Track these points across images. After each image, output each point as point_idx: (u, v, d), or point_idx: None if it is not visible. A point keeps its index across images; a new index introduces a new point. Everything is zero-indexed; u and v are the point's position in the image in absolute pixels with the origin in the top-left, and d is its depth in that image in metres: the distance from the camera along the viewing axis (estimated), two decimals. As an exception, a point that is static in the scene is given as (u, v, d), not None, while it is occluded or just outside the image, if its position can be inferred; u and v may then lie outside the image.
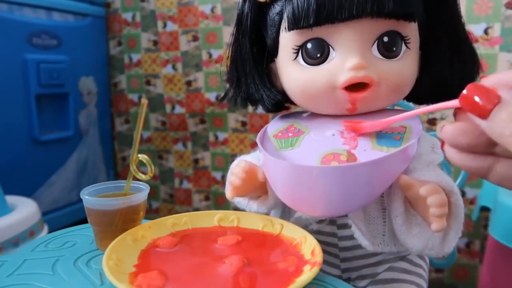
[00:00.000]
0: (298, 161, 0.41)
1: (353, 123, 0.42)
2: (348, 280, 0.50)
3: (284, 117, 0.50)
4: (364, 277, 0.50)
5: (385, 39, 0.41)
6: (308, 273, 0.32)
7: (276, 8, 0.43)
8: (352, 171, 0.37)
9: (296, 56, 0.43)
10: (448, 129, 0.28)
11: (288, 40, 0.43)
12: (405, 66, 0.42)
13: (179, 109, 1.48)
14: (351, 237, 0.45)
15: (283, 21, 0.42)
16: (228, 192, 0.44)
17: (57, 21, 1.31)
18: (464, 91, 0.25)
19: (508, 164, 0.27)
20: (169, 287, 0.32)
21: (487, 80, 0.27)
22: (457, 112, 0.29)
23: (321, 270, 0.34)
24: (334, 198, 0.38)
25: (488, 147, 0.27)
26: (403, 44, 0.42)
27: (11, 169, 1.16)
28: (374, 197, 0.41)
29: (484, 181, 0.95)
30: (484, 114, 0.24)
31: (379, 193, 0.41)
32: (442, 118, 1.13)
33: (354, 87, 0.40)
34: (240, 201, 0.49)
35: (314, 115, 0.47)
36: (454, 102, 0.27)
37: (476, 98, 0.24)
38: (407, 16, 0.40)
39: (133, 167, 0.42)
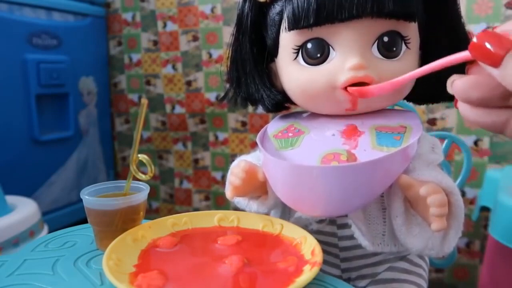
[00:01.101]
0: (298, 161, 0.41)
1: (360, 87, 0.40)
2: (348, 280, 0.50)
3: (284, 117, 0.50)
4: (364, 277, 0.50)
5: (385, 39, 0.41)
6: (308, 273, 0.32)
7: (276, 8, 0.43)
8: (352, 171, 0.37)
9: (296, 56, 0.43)
10: (459, 83, 0.26)
11: (288, 40, 0.43)
12: (405, 66, 0.42)
13: (179, 109, 1.48)
14: (351, 237, 0.45)
15: (283, 21, 0.42)
16: (228, 192, 0.44)
17: (57, 21, 1.31)
18: (474, 39, 0.24)
19: None
20: (169, 287, 0.32)
21: (498, 29, 0.25)
22: (469, 67, 0.27)
23: (321, 270, 0.34)
24: (334, 198, 0.38)
25: (503, 100, 0.25)
26: (403, 44, 0.42)
27: (11, 169, 1.16)
28: (374, 196, 0.41)
29: (484, 181, 0.95)
30: (496, 61, 0.23)
31: (379, 192, 0.41)
32: (442, 118, 1.13)
33: (354, 86, 0.40)
34: (240, 201, 0.49)
35: (314, 115, 0.47)
36: (465, 54, 0.25)
37: (487, 45, 0.23)
38: (407, 16, 0.40)
39: (133, 167, 0.42)
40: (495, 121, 0.26)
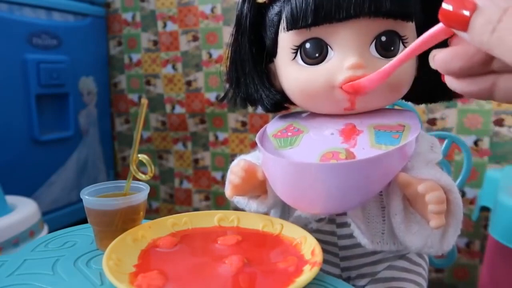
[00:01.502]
0: (297, 159, 0.41)
1: (352, 82, 0.40)
2: (347, 279, 0.50)
3: (283, 117, 0.50)
4: (364, 276, 0.50)
5: (383, 38, 0.41)
6: (308, 273, 0.32)
7: (275, 8, 0.43)
8: (351, 168, 0.37)
9: (295, 56, 0.43)
10: (439, 56, 0.27)
11: (286, 40, 0.43)
12: (403, 66, 0.42)
13: (179, 109, 1.48)
14: (351, 236, 0.45)
15: (282, 21, 0.43)
16: (228, 191, 0.44)
17: (57, 21, 1.31)
18: (443, 5, 0.25)
19: (510, 77, 0.26)
20: (169, 287, 0.32)
21: None
22: (450, 41, 0.28)
23: (321, 270, 0.34)
24: (333, 195, 0.38)
25: (484, 66, 0.26)
26: (401, 44, 0.42)
27: (11, 169, 1.16)
28: (372, 194, 0.41)
29: (484, 181, 0.95)
30: (463, 25, 0.24)
31: (377, 190, 0.41)
32: (442, 118, 1.13)
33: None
34: (239, 201, 0.49)
35: (313, 115, 0.47)
36: (439, 25, 0.27)
37: (452, 9, 0.24)
38: (404, 15, 0.40)
39: (133, 167, 0.42)
40: (481, 88, 0.26)
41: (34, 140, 1.23)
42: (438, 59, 0.27)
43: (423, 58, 0.44)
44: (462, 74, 0.27)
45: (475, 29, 0.23)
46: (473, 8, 0.23)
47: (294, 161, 0.40)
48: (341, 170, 0.37)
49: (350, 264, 0.49)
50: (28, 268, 0.39)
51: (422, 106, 1.09)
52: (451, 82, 0.28)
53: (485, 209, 0.91)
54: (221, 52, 1.37)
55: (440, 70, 0.28)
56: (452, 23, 0.25)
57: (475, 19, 0.23)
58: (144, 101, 0.39)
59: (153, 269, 0.35)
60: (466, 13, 0.23)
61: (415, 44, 0.31)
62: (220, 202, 1.48)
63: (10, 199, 0.97)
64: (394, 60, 0.36)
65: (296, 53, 0.43)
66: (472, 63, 0.26)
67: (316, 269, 0.32)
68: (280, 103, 0.48)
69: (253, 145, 1.37)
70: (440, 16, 0.25)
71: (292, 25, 0.41)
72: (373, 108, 0.44)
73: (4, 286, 0.35)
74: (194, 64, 1.42)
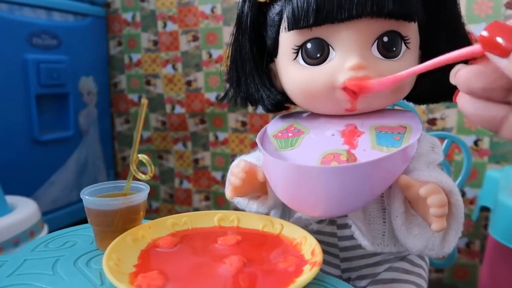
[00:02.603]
0: (298, 161, 0.41)
1: (359, 81, 0.39)
2: (348, 280, 0.50)
3: (284, 117, 0.50)
4: (364, 277, 0.50)
5: (385, 39, 0.41)
6: (308, 273, 0.32)
7: (276, 8, 0.43)
8: (352, 171, 0.37)
9: (296, 56, 0.43)
10: (463, 72, 0.26)
11: (288, 40, 0.43)
12: (405, 66, 0.42)
13: (179, 109, 1.48)
14: (351, 237, 0.45)
15: (283, 21, 0.42)
16: (228, 192, 0.44)
17: (57, 21, 1.31)
18: (484, 33, 0.24)
19: None
20: (169, 287, 0.32)
21: (510, 21, 0.25)
22: (471, 63, 0.27)
23: (321, 270, 0.34)
24: (334, 198, 0.38)
25: (504, 94, 0.25)
26: (403, 44, 0.42)
27: (11, 169, 1.16)
28: (374, 197, 0.41)
29: (484, 181, 0.95)
30: (504, 52, 0.23)
31: (379, 193, 0.41)
32: (442, 118, 1.13)
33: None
34: (240, 201, 0.49)
35: (314, 115, 0.47)
36: (472, 47, 0.26)
37: (499, 39, 0.23)
38: (406, 16, 0.40)
39: (133, 167, 0.42)
40: (494, 116, 0.26)
41: (34, 140, 1.23)
42: (461, 76, 0.26)
43: (425, 58, 0.44)
44: (481, 95, 0.26)
45: None
46: None
47: (295, 164, 0.40)
48: (342, 173, 0.37)
49: (351, 266, 0.49)
50: (28, 268, 0.39)
51: (422, 106, 1.08)
52: (465, 101, 0.26)
53: (485, 209, 0.91)
54: (221, 52, 1.37)
55: (460, 87, 0.26)
56: (492, 49, 0.24)
57: None
58: (144, 101, 0.39)
59: (153, 269, 0.35)
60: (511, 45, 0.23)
61: (440, 59, 0.30)
62: (220, 202, 1.48)
63: (10, 199, 0.97)
64: (410, 70, 0.35)
65: (297, 53, 0.43)
66: (495, 86, 0.25)
67: (316, 269, 0.32)
68: (280, 103, 0.48)
69: (253, 145, 1.37)
70: (481, 42, 0.24)
71: (293, 25, 0.40)
72: (374, 109, 0.44)
73: (4, 286, 0.35)
74: (194, 64, 1.42)
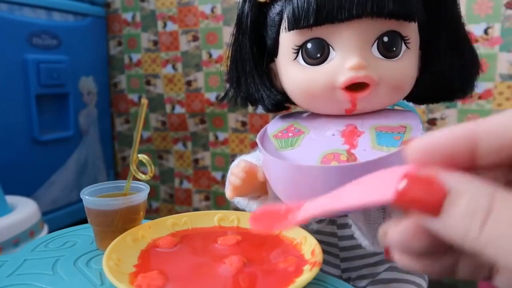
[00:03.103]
0: (298, 161, 0.41)
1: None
2: (348, 280, 0.50)
3: (284, 117, 0.50)
4: (364, 277, 0.50)
5: (385, 39, 0.41)
6: (308, 273, 0.32)
7: (276, 8, 0.43)
8: (352, 171, 0.37)
9: (296, 56, 0.43)
10: (396, 233, 0.19)
11: (288, 40, 0.43)
12: (405, 66, 0.42)
13: (179, 109, 1.48)
14: (351, 237, 0.45)
15: (283, 21, 0.42)
16: (228, 192, 0.44)
17: (57, 21, 1.31)
18: (400, 186, 0.18)
19: (474, 257, 0.18)
20: (169, 287, 0.32)
21: (414, 148, 0.20)
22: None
23: (321, 270, 0.34)
24: (334, 198, 0.38)
25: (447, 247, 0.19)
26: (403, 44, 0.42)
27: (11, 169, 1.16)
28: (374, 197, 0.41)
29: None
30: (434, 210, 0.17)
31: (379, 193, 0.40)
32: (442, 118, 1.13)
33: (354, 87, 0.40)
34: (240, 201, 0.49)
35: (314, 115, 0.47)
36: (385, 195, 0.19)
37: (418, 195, 0.17)
38: (407, 16, 0.40)
39: (133, 167, 0.42)
40: (444, 267, 0.20)
41: (34, 140, 1.23)
42: (395, 239, 0.19)
43: (425, 58, 0.45)
44: (423, 254, 0.20)
45: (452, 219, 0.17)
46: (443, 189, 0.17)
47: (295, 163, 0.40)
48: (342, 172, 0.37)
49: (351, 265, 0.49)
50: (28, 268, 0.39)
51: (422, 106, 1.09)
52: (405, 261, 0.20)
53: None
54: (221, 52, 1.37)
55: (395, 249, 0.20)
56: (416, 205, 0.17)
57: (451, 206, 0.17)
58: (144, 101, 0.39)
59: (153, 269, 0.35)
60: (437, 202, 0.17)
61: (351, 204, 0.22)
62: (220, 202, 1.48)
63: (10, 199, 0.97)
64: (317, 211, 0.27)
65: (297, 53, 0.43)
66: (439, 242, 0.19)
67: (316, 269, 0.32)
68: (280, 103, 0.48)
69: (253, 145, 1.37)
70: (398, 199, 0.18)
71: (294, 25, 0.40)
72: (374, 109, 0.44)
73: (4, 286, 0.35)
74: (194, 64, 1.42)
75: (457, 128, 0.18)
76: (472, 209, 0.16)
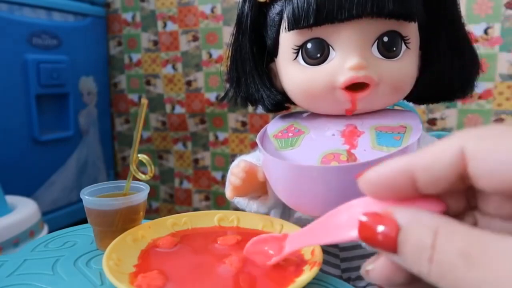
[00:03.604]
0: (298, 161, 0.41)
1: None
2: (348, 280, 0.50)
3: (284, 117, 0.50)
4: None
5: (385, 39, 0.41)
6: (308, 273, 0.32)
7: (276, 8, 0.43)
8: (352, 171, 0.37)
9: (296, 56, 0.43)
10: (377, 271, 0.20)
11: (288, 40, 0.43)
12: (405, 66, 0.42)
13: (179, 109, 1.48)
14: (351, 237, 0.45)
15: (283, 21, 0.42)
16: (228, 192, 0.44)
17: (57, 21, 1.31)
18: (363, 218, 0.19)
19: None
20: (169, 287, 0.32)
21: (366, 181, 0.21)
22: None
23: (321, 270, 0.34)
24: (333, 198, 0.38)
25: None
26: (403, 44, 0.42)
27: (11, 169, 1.16)
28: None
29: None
30: (391, 246, 0.18)
31: (379, 193, 0.40)
32: (442, 118, 1.13)
33: (354, 87, 0.40)
34: (240, 201, 0.49)
35: (314, 115, 0.47)
36: (352, 235, 0.21)
37: (375, 235, 0.19)
38: (407, 16, 0.40)
39: (133, 167, 0.42)
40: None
41: (34, 140, 1.23)
42: (376, 278, 0.20)
43: (425, 58, 0.45)
44: (410, 282, 0.20)
45: (406, 256, 0.18)
46: (396, 227, 0.18)
47: (295, 163, 0.40)
48: (342, 173, 0.37)
49: (351, 265, 0.49)
50: (28, 268, 0.39)
51: (422, 106, 1.09)
52: None
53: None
54: (221, 52, 1.37)
55: (380, 285, 0.21)
56: (374, 242, 0.19)
57: (402, 244, 0.18)
58: (144, 101, 0.39)
59: (153, 269, 0.35)
60: (392, 239, 0.18)
61: (313, 242, 0.26)
62: (220, 202, 1.48)
63: (10, 199, 0.97)
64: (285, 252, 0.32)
65: (297, 53, 0.43)
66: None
67: (316, 269, 0.32)
68: (280, 103, 0.48)
69: (253, 145, 1.37)
70: (360, 234, 0.19)
71: (294, 25, 0.40)
72: (374, 109, 0.44)
73: (4, 286, 0.35)
74: (194, 64, 1.42)
75: (397, 162, 0.20)
76: (419, 247, 0.17)
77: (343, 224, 0.23)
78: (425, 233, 0.17)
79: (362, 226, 0.19)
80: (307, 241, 0.29)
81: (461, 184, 0.18)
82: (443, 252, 0.16)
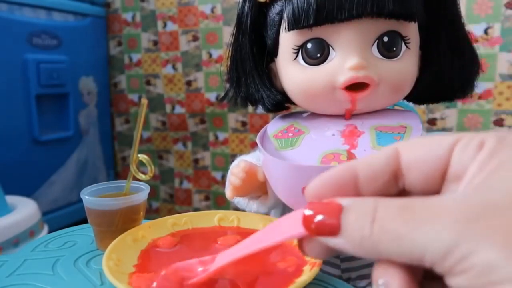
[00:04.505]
0: (298, 161, 0.41)
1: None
2: (348, 280, 0.50)
3: (284, 117, 0.50)
4: (364, 277, 0.50)
5: (385, 39, 0.41)
6: (308, 273, 0.32)
7: (276, 8, 0.43)
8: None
9: (296, 56, 0.43)
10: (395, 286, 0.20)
11: (288, 40, 0.43)
12: (405, 66, 0.42)
13: (179, 109, 1.48)
14: (351, 237, 0.45)
15: (283, 21, 0.42)
16: (228, 192, 0.44)
17: (57, 21, 1.31)
18: (306, 212, 0.21)
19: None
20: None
21: (310, 191, 0.23)
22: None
23: (321, 270, 0.34)
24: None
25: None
26: (403, 44, 0.42)
27: (11, 169, 1.16)
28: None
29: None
30: (335, 229, 0.19)
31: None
32: (442, 118, 1.13)
33: (354, 87, 0.40)
34: (240, 201, 0.49)
35: (314, 115, 0.47)
36: (295, 228, 0.21)
37: (319, 217, 0.20)
38: (407, 16, 0.40)
39: (133, 167, 0.42)
40: None
41: (34, 140, 1.23)
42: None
43: (425, 58, 0.45)
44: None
45: (348, 227, 0.19)
46: (339, 206, 0.19)
47: (295, 163, 0.40)
48: None
49: (351, 265, 0.49)
50: (28, 268, 0.39)
51: (422, 106, 1.09)
52: None
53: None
54: (221, 52, 1.37)
55: None
56: (321, 232, 0.20)
57: (345, 219, 0.19)
58: (144, 101, 0.39)
59: (153, 269, 0.35)
60: (336, 219, 0.19)
61: (265, 245, 0.25)
62: (220, 202, 1.48)
63: (10, 199, 0.97)
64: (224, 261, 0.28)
65: (297, 53, 0.43)
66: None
67: (316, 269, 0.32)
68: (280, 103, 0.48)
69: (253, 145, 1.37)
70: (305, 225, 0.20)
71: (294, 25, 0.40)
72: (374, 109, 0.44)
73: (4, 286, 0.35)
74: (194, 64, 1.42)
75: (342, 165, 0.22)
76: (362, 213, 0.19)
77: (284, 227, 0.24)
78: (366, 202, 0.19)
79: (307, 207, 0.21)
80: (237, 253, 0.27)
81: (395, 187, 0.21)
82: (384, 212, 0.18)
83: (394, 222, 0.18)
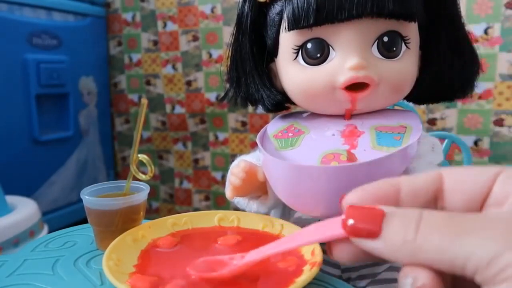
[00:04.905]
0: (298, 161, 0.41)
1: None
2: (348, 280, 0.50)
3: (284, 117, 0.50)
4: (364, 277, 0.50)
5: (385, 39, 0.41)
6: (308, 273, 0.32)
7: (276, 8, 0.43)
8: (352, 171, 0.37)
9: (296, 56, 0.43)
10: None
11: (288, 40, 0.43)
12: (405, 66, 0.42)
13: (179, 109, 1.48)
14: (351, 237, 0.45)
15: (283, 21, 0.42)
16: (228, 192, 0.44)
17: (57, 21, 1.31)
18: (346, 214, 0.22)
19: None
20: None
21: (349, 198, 0.23)
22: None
23: (321, 270, 0.34)
24: (334, 198, 0.38)
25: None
26: (403, 44, 0.42)
27: (11, 169, 1.16)
28: (374, 197, 0.41)
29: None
30: (375, 232, 0.20)
31: (379, 193, 0.40)
32: (442, 118, 1.13)
33: (354, 87, 0.40)
34: (240, 201, 0.49)
35: (314, 115, 0.47)
36: (335, 229, 0.22)
37: (360, 219, 0.21)
38: (407, 16, 0.40)
39: (133, 167, 0.42)
40: None
41: (34, 140, 1.23)
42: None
43: (425, 58, 0.45)
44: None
45: (390, 232, 0.20)
46: (381, 212, 0.20)
47: (295, 163, 0.40)
48: (342, 173, 0.37)
49: (351, 265, 0.49)
50: (28, 268, 0.39)
51: (422, 106, 1.09)
52: None
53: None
54: (221, 52, 1.38)
55: None
56: (359, 227, 0.21)
57: (389, 222, 0.20)
58: (144, 101, 0.39)
59: (153, 269, 0.35)
60: (377, 226, 0.20)
61: (303, 243, 0.27)
62: (220, 202, 1.48)
63: (10, 199, 0.97)
64: (244, 262, 0.31)
65: (297, 53, 0.43)
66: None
67: (316, 269, 0.32)
68: (280, 103, 0.48)
69: (253, 145, 1.37)
70: (346, 230, 0.21)
71: (294, 25, 0.40)
72: (374, 109, 0.44)
73: (4, 286, 0.35)
74: (194, 64, 1.42)
75: (386, 180, 0.23)
76: (406, 220, 0.20)
77: (324, 228, 0.25)
78: (411, 211, 0.20)
79: (350, 213, 0.21)
80: (275, 249, 0.29)
81: (433, 207, 0.22)
82: (429, 221, 0.19)
83: (439, 231, 0.19)
